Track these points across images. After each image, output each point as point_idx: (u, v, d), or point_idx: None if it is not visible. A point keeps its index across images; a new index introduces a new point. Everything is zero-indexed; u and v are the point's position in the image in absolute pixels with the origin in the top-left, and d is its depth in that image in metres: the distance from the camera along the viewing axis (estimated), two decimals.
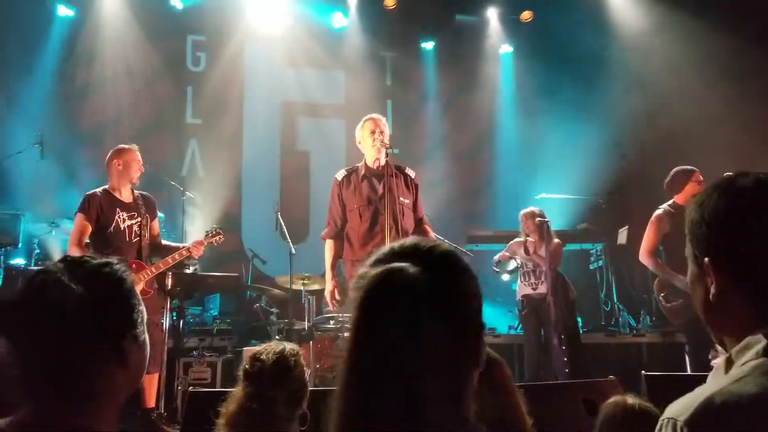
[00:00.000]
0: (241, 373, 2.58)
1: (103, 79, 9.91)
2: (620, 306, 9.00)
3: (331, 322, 7.39)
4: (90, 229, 5.69)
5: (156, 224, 6.19)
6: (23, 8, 9.20)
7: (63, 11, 9.56)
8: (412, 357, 1.11)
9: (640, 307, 8.96)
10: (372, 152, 5.59)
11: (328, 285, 5.65)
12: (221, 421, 2.47)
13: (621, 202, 10.02)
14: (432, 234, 5.90)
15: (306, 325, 7.20)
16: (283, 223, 7.50)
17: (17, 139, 7.69)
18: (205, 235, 6.10)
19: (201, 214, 10.10)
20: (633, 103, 10.34)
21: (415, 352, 1.11)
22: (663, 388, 3.59)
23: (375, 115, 5.73)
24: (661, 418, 1.30)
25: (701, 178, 6.22)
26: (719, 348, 2.76)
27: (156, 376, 5.68)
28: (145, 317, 1.55)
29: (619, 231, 9.30)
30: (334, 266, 5.73)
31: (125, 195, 5.94)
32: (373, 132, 5.56)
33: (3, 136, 8.13)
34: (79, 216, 5.72)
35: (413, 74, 11.43)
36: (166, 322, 6.24)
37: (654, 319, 8.67)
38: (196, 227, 9.94)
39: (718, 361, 1.42)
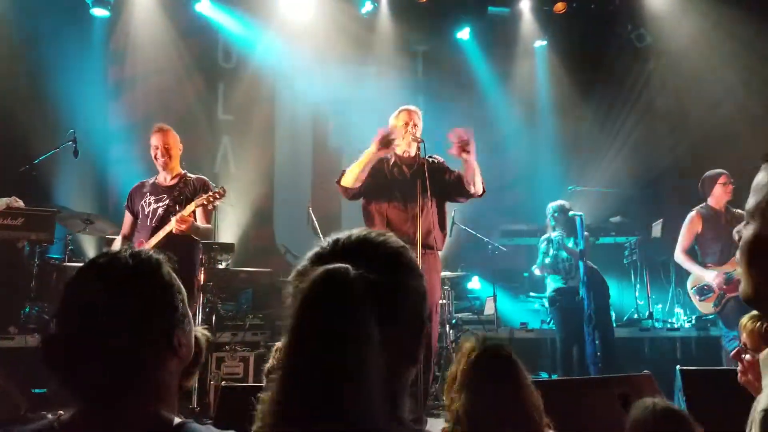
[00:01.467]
0: (265, 369, 2.56)
1: (135, 78, 9.98)
2: (654, 300, 8.93)
3: None
4: (130, 218, 5.75)
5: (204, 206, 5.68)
6: (58, 8, 9.29)
7: (99, 12, 9.62)
8: (347, 359, 1.06)
9: (675, 301, 8.87)
10: (403, 143, 5.55)
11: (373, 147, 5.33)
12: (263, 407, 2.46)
13: (655, 195, 9.93)
14: (476, 183, 5.56)
15: None
16: (315, 219, 7.51)
17: (53, 138, 7.76)
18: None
19: (233, 210, 10.16)
20: (668, 96, 10.23)
21: (353, 355, 1.07)
22: (698, 383, 3.55)
23: (411, 107, 5.70)
24: (759, 410, 1.27)
25: (727, 179, 6.51)
26: (743, 339, 2.71)
27: None
28: (186, 300, 1.60)
29: (653, 224, 9.22)
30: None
31: (166, 178, 5.76)
32: (406, 124, 5.54)
33: (39, 135, 8.21)
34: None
35: (445, 68, 11.35)
36: (198, 317, 6.29)
37: (688, 312, 8.59)
38: (228, 223, 10.02)
39: None
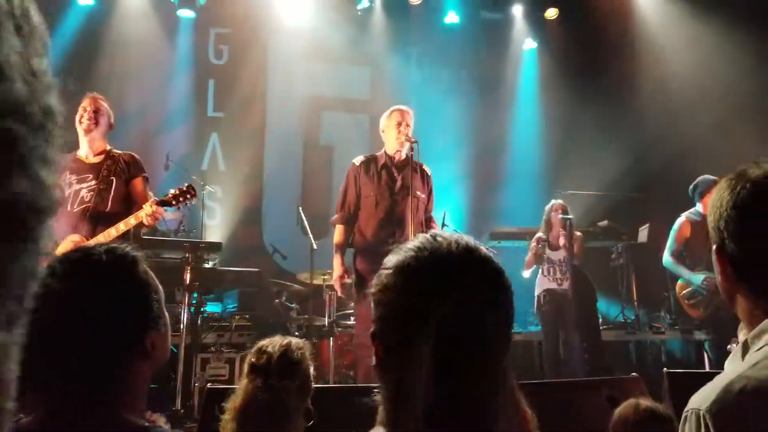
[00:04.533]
0: (246, 366, 2.55)
1: (125, 73, 9.91)
2: (640, 304, 8.97)
3: (352, 318, 7.37)
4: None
5: (137, 185, 5.06)
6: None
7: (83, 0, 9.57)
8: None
9: (660, 305, 8.91)
10: (394, 144, 5.53)
11: (337, 270, 5.47)
12: (227, 416, 2.45)
13: (642, 200, 9.96)
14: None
15: (326, 321, 7.18)
16: (304, 218, 7.47)
17: None
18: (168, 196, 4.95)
19: (221, 208, 10.14)
20: (657, 102, 10.26)
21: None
22: (685, 385, 3.55)
23: (403, 107, 5.66)
24: (685, 410, 1.34)
25: None
26: (740, 337, 2.74)
27: None
28: (163, 299, 1.57)
29: (640, 229, 9.25)
30: (343, 252, 5.58)
31: (88, 155, 5.05)
32: (399, 124, 5.50)
33: None
34: None
35: (437, 69, 11.38)
36: (184, 317, 6.22)
37: (673, 317, 8.63)
38: (217, 221, 9.98)
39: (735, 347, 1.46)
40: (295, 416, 2.47)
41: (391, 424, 1.23)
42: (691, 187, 6.60)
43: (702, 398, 1.31)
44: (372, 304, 1.30)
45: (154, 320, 1.50)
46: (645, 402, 2.46)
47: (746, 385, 1.27)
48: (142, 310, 1.49)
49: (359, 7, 10.83)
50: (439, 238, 1.28)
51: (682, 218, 6.56)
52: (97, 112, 5.05)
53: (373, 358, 1.28)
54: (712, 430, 1.26)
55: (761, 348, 1.35)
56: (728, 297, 1.49)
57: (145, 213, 4.67)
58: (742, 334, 2.85)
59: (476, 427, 1.17)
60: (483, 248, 1.32)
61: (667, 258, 6.57)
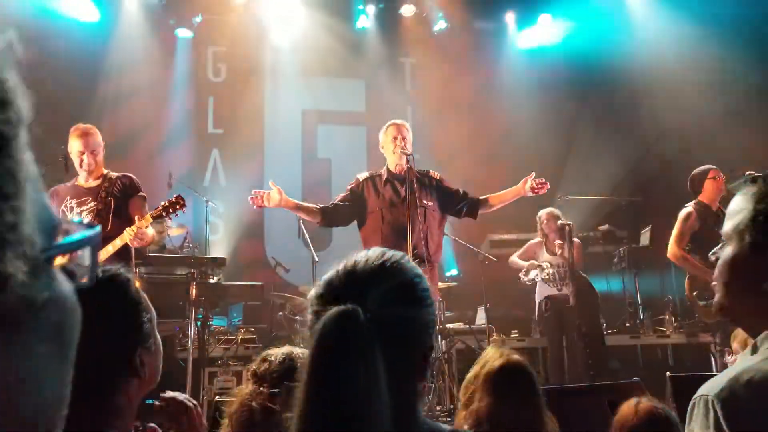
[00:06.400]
0: (248, 374, 2.59)
1: (124, 93, 9.96)
2: (643, 307, 8.96)
3: None
4: None
5: (135, 204, 5.17)
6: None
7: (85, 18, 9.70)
8: (358, 396, 1.14)
9: (664, 308, 8.88)
10: (393, 158, 5.60)
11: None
12: (225, 421, 2.49)
13: (643, 203, 9.98)
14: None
15: None
16: (305, 231, 7.50)
17: (44, 154, 7.77)
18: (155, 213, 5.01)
19: (224, 223, 10.18)
20: (655, 106, 10.29)
21: (363, 392, 1.14)
22: (688, 389, 3.57)
23: (398, 121, 5.75)
24: (694, 396, 1.40)
25: (718, 174, 6.31)
26: (734, 347, 2.76)
27: None
28: (155, 319, 1.57)
29: (642, 232, 9.26)
30: (300, 206, 5.72)
31: (87, 180, 5.18)
32: (395, 138, 5.58)
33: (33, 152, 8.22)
34: None
35: (433, 80, 11.41)
36: (191, 332, 6.27)
37: (679, 319, 8.62)
38: (220, 237, 10.02)
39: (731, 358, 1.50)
40: (282, 422, 2.49)
41: None
42: (688, 183, 6.46)
43: (711, 386, 1.37)
44: None
45: (144, 339, 1.51)
46: (644, 402, 2.48)
47: (754, 376, 1.33)
48: (133, 328, 1.49)
49: (357, 24, 10.93)
50: (360, 255, 1.37)
51: (688, 208, 6.27)
52: (93, 153, 5.14)
53: None
54: (720, 415, 1.31)
55: None
56: (743, 297, 1.50)
57: (128, 236, 4.78)
58: (736, 343, 2.89)
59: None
60: (402, 262, 1.39)
61: (674, 252, 6.22)
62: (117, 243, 4.80)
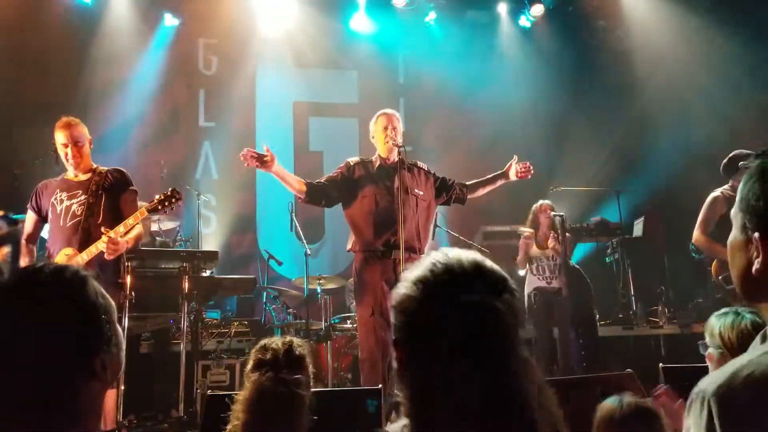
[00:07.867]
0: (252, 363, 2.58)
1: (115, 85, 9.94)
2: (636, 298, 8.97)
3: (348, 321, 7.41)
4: (35, 219, 5.12)
5: (126, 198, 5.12)
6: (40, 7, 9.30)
7: None
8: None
9: (657, 299, 8.90)
10: (384, 148, 5.54)
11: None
12: (237, 407, 2.48)
13: (636, 194, 9.99)
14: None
15: (323, 325, 7.23)
16: (297, 224, 7.49)
17: (35, 147, 7.70)
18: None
19: (216, 216, 10.16)
20: (648, 96, 10.30)
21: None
22: (681, 380, 3.58)
23: (389, 111, 5.67)
24: (692, 392, 1.35)
25: None
26: (708, 341, 2.73)
27: (113, 392, 4.75)
28: (115, 317, 1.53)
29: (635, 223, 9.27)
30: (288, 175, 5.60)
31: (77, 174, 5.11)
32: (385, 128, 5.51)
33: (21, 144, 8.19)
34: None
35: (425, 72, 11.37)
36: (184, 326, 6.26)
37: (671, 310, 8.64)
38: (212, 229, 10.00)
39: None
40: (305, 408, 2.52)
41: (417, 421, 1.38)
42: (725, 161, 6.02)
43: (709, 382, 1.31)
44: (392, 315, 1.47)
45: (105, 341, 1.46)
46: (629, 398, 2.48)
47: (754, 371, 1.27)
48: (90, 331, 1.44)
49: (350, 15, 10.89)
50: (451, 254, 1.46)
51: (717, 193, 5.99)
52: (77, 144, 5.03)
53: (394, 362, 1.46)
54: (715, 414, 1.26)
55: None
56: (752, 282, 1.45)
57: (102, 245, 4.68)
58: (707, 335, 2.88)
59: (518, 417, 1.31)
60: (488, 261, 1.48)
61: (698, 237, 5.99)
62: (92, 251, 4.73)
